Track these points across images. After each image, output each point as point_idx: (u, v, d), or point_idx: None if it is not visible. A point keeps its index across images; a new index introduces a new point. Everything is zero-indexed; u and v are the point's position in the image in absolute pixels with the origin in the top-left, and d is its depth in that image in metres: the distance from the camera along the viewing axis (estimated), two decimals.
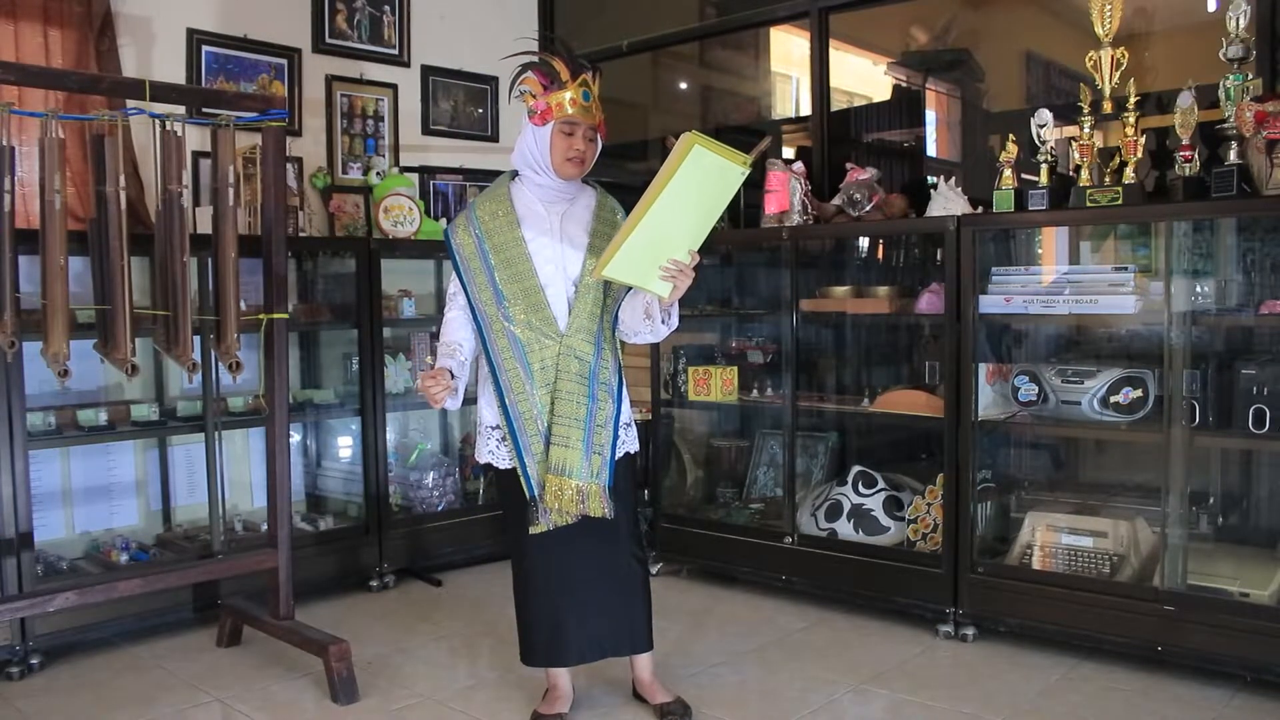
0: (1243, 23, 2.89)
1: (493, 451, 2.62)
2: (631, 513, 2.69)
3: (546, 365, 2.52)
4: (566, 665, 2.70)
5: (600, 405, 2.53)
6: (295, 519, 3.72)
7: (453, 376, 2.52)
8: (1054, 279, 3.22)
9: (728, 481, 4.27)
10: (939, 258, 3.50)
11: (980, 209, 3.34)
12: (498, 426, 2.60)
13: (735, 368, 4.03)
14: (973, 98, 3.99)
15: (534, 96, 2.53)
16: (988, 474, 3.40)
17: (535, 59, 2.54)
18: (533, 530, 2.54)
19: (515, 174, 2.65)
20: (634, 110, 4.96)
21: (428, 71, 4.61)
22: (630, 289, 2.54)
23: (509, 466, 2.59)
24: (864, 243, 4.01)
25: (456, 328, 2.60)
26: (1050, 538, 3.21)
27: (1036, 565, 3.19)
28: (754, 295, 4.17)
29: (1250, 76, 2.90)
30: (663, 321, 2.53)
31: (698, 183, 2.32)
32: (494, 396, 2.57)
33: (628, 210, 2.46)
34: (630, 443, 2.65)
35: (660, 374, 4.07)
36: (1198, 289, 2.97)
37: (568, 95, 2.50)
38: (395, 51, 4.51)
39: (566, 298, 2.55)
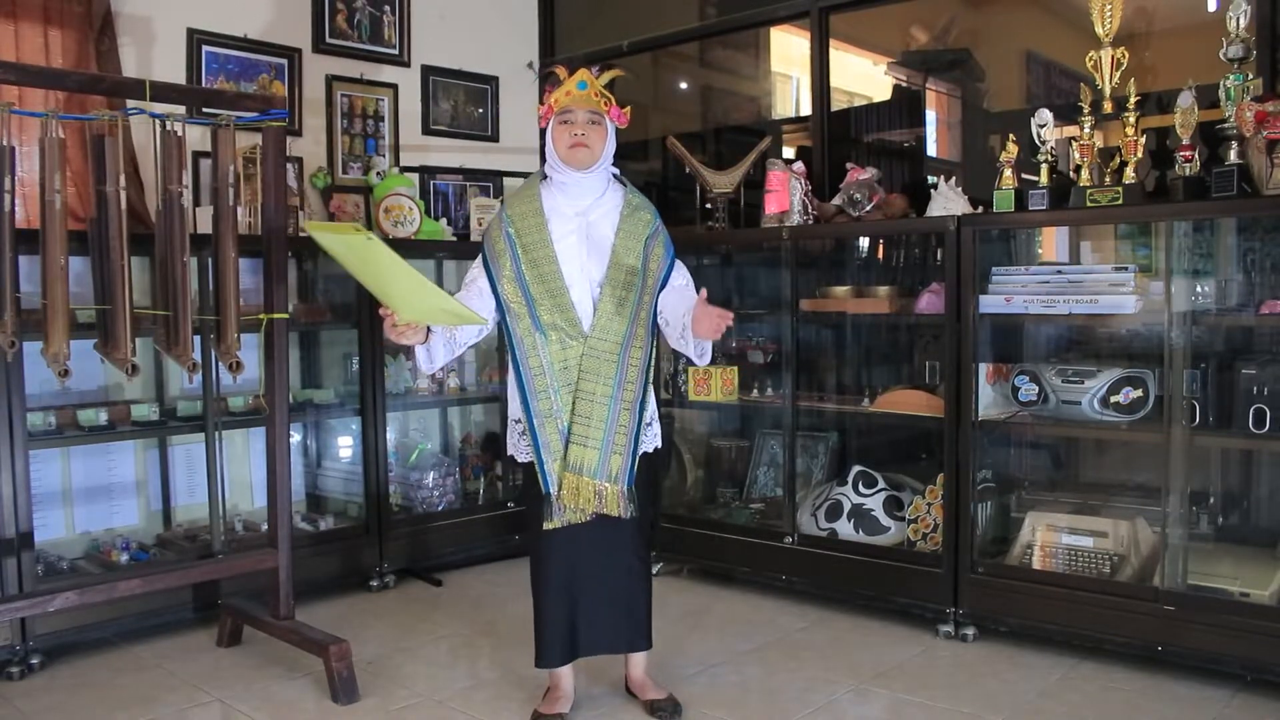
0: (1243, 23, 2.89)
1: (518, 445, 2.64)
2: (644, 512, 2.69)
3: (569, 365, 2.53)
4: (572, 660, 2.70)
5: (622, 407, 2.54)
6: (295, 519, 3.72)
7: (429, 333, 2.53)
8: (1054, 279, 3.22)
9: (728, 481, 4.26)
10: (939, 258, 3.50)
11: (980, 209, 3.34)
12: (521, 420, 2.61)
13: (735, 368, 4.03)
14: (973, 98, 3.98)
15: (542, 105, 2.66)
16: (988, 474, 3.40)
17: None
18: (546, 525, 2.56)
19: (546, 175, 2.70)
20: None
21: (428, 71, 4.61)
22: (663, 288, 2.59)
23: (531, 460, 2.60)
24: (864, 243, 4.00)
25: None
26: (1050, 538, 3.21)
27: (1037, 565, 3.19)
28: (754, 295, 4.17)
29: (1250, 76, 2.89)
30: (696, 354, 2.54)
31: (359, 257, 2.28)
32: (516, 391, 2.59)
33: (660, 208, 2.65)
34: (651, 441, 2.66)
35: (660, 374, 4.06)
36: (1198, 289, 2.97)
37: (564, 90, 2.60)
38: (395, 51, 4.50)
39: (591, 298, 2.56)
